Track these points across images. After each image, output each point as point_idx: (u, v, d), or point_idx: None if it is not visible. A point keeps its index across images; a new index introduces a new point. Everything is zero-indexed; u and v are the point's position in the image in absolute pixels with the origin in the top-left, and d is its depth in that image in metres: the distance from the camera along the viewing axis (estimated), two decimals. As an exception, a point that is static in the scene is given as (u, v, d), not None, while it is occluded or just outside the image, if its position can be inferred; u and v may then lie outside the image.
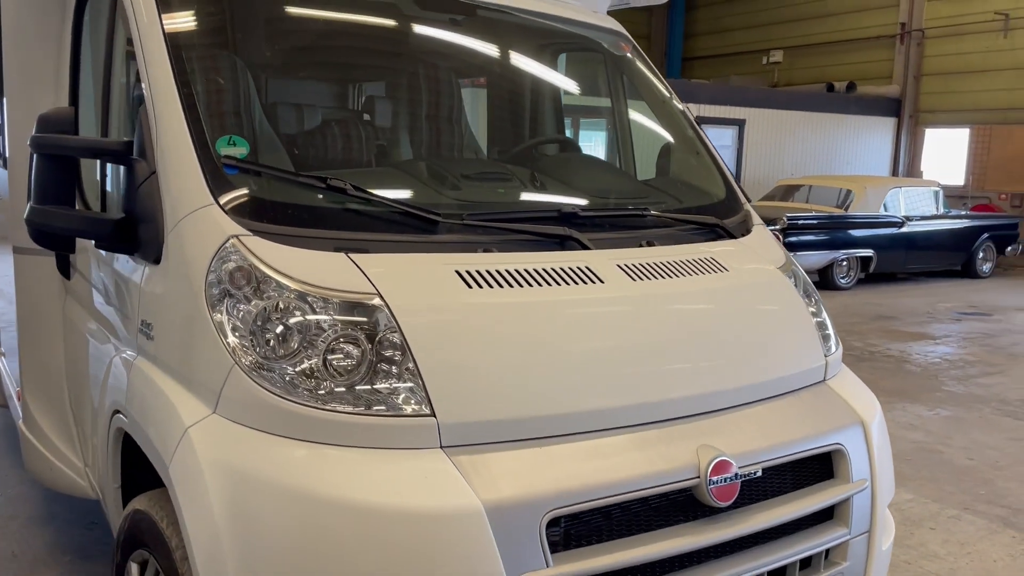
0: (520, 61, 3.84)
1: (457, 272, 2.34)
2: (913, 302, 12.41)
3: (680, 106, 3.66)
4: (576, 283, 2.44)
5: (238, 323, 2.17)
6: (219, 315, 2.19)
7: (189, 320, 2.26)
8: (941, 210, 14.44)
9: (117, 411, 2.67)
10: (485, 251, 2.50)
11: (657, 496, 2.18)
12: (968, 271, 15.15)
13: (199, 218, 2.32)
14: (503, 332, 2.24)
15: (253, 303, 2.17)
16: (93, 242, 2.61)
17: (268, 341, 2.15)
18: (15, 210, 3.56)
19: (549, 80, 4.14)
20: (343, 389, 2.10)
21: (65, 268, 3.40)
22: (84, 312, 3.30)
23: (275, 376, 2.11)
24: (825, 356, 2.81)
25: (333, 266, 2.26)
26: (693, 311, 2.60)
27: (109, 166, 2.92)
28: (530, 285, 2.37)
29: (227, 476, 2.05)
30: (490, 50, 3.65)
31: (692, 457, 2.24)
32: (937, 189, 14.44)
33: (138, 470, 2.75)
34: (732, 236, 3.08)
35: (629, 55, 3.81)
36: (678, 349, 2.47)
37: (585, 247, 2.64)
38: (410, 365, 2.11)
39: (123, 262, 2.72)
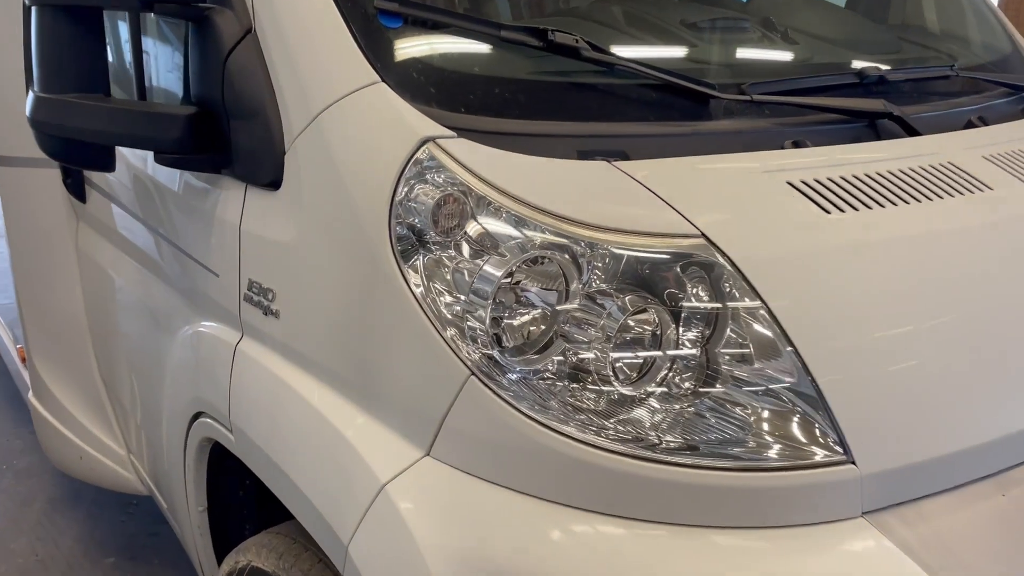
0: None
1: (791, 185, 1.38)
2: None
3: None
4: (956, 193, 1.50)
5: (462, 296, 1.22)
6: (419, 278, 1.24)
7: (359, 289, 1.30)
8: None
9: (201, 413, 1.74)
10: (795, 145, 1.54)
11: None
12: None
13: (356, 110, 1.32)
14: (914, 292, 1.31)
15: (490, 262, 1.21)
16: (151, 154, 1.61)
17: (521, 329, 1.21)
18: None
19: None
20: (675, 419, 1.18)
21: (78, 187, 2.37)
22: (111, 247, 2.30)
23: (541, 393, 1.19)
24: None
25: (600, 184, 1.30)
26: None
27: (152, 35, 1.86)
28: (906, 202, 1.42)
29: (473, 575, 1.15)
30: None
31: None
32: None
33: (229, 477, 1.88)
34: (1053, 104, 2.13)
35: None
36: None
37: (913, 131, 1.69)
38: (791, 366, 1.18)
39: (192, 182, 1.72)
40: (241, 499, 2.00)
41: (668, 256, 1.22)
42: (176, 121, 1.50)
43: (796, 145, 1.53)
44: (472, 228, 1.24)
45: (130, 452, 2.57)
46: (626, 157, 1.37)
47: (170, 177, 1.79)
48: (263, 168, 1.44)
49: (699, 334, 1.22)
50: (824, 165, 1.46)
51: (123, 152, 1.93)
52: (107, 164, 1.66)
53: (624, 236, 1.23)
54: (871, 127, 1.68)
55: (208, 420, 1.71)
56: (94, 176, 2.30)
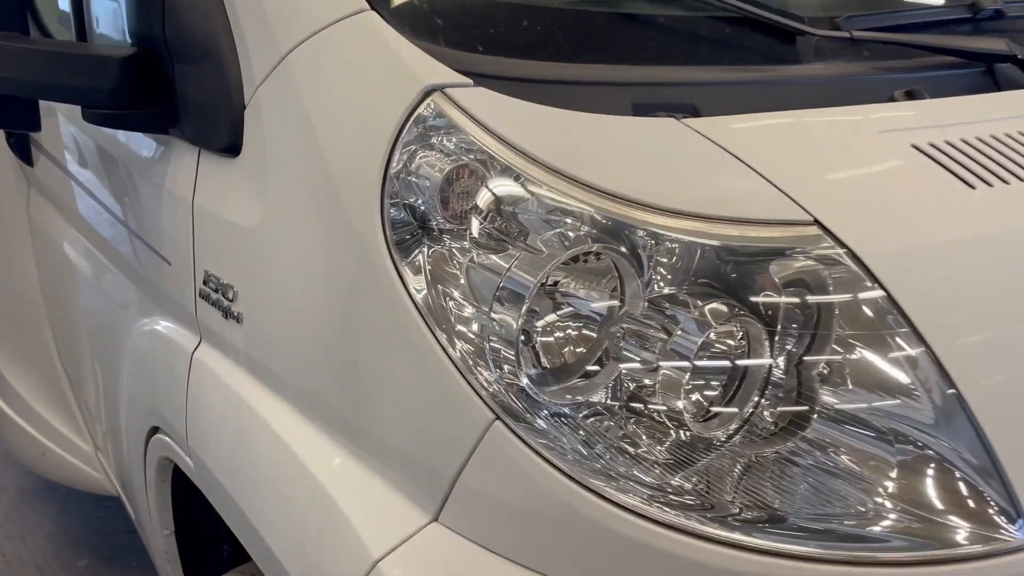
0: None
1: (918, 149, 1.04)
2: None
3: None
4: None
5: (481, 304, 0.89)
6: (420, 279, 0.91)
7: (341, 292, 0.97)
8: None
9: (158, 429, 1.42)
10: (909, 96, 1.19)
11: None
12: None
13: (336, 48, 0.98)
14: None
15: (519, 258, 0.88)
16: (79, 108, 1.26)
17: (561, 348, 0.88)
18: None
19: None
20: (761, 473, 0.85)
21: (23, 147, 2.03)
22: (63, 220, 1.97)
23: (588, 436, 0.87)
24: None
25: (666, 149, 0.96)
26: None
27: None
28: (1063, 171, 1.08)
29: None
30: None
31: None
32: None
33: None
34: None
35: None
36: None
37: (1039, 77, 1.34)
38: (939, 400, 0.85)
39: (139, 142, 1.38)
40: (216, 516, 1.69)
41: (766, 251, 0.88)
42: (106, 66, 1.15)
43: (910, 96, 1.18)
44: (493, 211, 0.91)
45: (97, 449, 2.26)
46: (696, 112, 1.03)
47: (113, 136, 1.45)
48: (217, 128, 1.10)
49: (801, 354, 0.89)
50: (954, 123, 1.11)
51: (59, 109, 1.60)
52: (30, 122, 1.32)
53: (704, 223, 0.89)
54: (988, 73, 1.33)
55: (165, 438, 1.40)
56: (43, 137, 1.95)
